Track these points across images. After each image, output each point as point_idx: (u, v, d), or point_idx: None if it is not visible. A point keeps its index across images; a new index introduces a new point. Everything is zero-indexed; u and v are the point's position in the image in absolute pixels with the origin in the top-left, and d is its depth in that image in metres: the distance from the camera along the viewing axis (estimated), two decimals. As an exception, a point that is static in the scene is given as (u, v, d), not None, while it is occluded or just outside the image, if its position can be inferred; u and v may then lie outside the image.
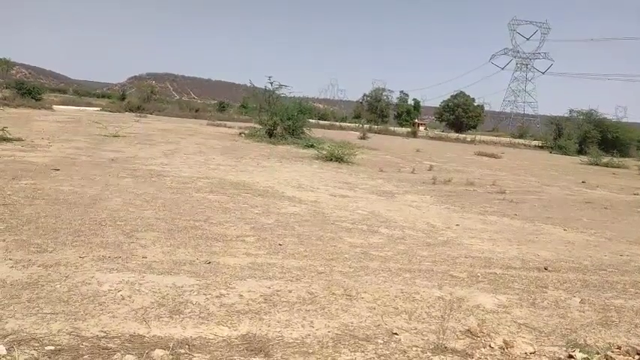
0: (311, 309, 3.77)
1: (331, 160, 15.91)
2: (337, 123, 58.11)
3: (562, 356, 3.31)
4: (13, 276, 3.85)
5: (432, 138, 49.42)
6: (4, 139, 12.71)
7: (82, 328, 3.10)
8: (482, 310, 4.09)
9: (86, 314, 3.31)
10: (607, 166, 26.73)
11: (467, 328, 3.65)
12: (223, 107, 64.94)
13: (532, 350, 3.34)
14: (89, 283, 3.86)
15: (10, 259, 4.21)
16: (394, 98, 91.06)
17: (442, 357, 3.14)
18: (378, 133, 45.95)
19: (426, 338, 3.42)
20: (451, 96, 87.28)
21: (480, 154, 28.54)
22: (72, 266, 4.20)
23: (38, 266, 4.12)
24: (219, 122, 34.92)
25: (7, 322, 3.08)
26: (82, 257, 4.45)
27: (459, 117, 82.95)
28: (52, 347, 2.84)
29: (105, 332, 3.09)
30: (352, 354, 3.10)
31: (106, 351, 2.85)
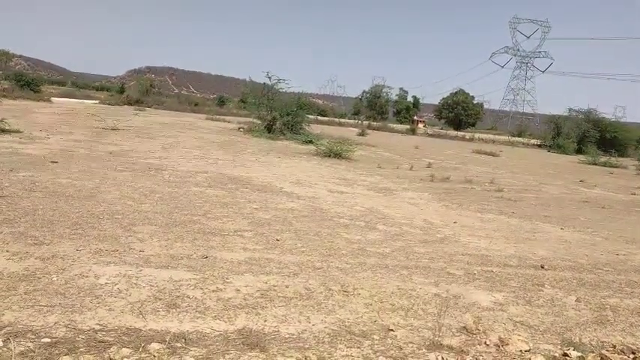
0: (308, 304, 3.78)
1: (330, 156, 15.91)
2: (336, 119, 58.00)
3: (557, 354, 3.33)
4: (9, 268, 3.85)
5: (430, 135, 49.41)
6: (2, 131, 12.68)
7: (78, 321, 3.11)
8: (479, 308, 4.10)
9: (83, 307, 3.31)
10: (605, 166, 26.77)
11: (463, 325, 3.66)
12: (222, 102, 64.88)
13: (527, 348, 3.35)
14: (86, 276, 3.86)
15: (7, 251, 4.20)
16: (394, 95, 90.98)
17: (438, 353, 3.15)
18: (377, 130, 45.92)
19: (422, 335, 3.43)
20: (450, 93, 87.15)
21: (478, 152, 28.55)
22: (69, 259, 4.20)
23: (35, 259, 4.12)
24: (218, 117, 34.84)
25: (3, 315, 3.08)
26: (79, 250, 4.45)
27: (458, 115, 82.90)
28: (49, 340, 2.84)
29: (101, 325, 3.09)
30: (348, 350, 3.11)
31: (103, 344, 2.85)
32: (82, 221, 5.41)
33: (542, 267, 5.56)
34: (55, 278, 3.76)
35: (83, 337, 2.92)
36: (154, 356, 2.77)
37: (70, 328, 3.01)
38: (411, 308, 3.93)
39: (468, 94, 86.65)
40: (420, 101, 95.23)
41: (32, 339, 2.83)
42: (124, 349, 2.81)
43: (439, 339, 3.34)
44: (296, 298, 3.89)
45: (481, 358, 3.18)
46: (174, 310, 3.42)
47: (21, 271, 3.83)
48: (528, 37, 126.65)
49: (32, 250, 4.31)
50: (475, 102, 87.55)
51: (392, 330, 3.46)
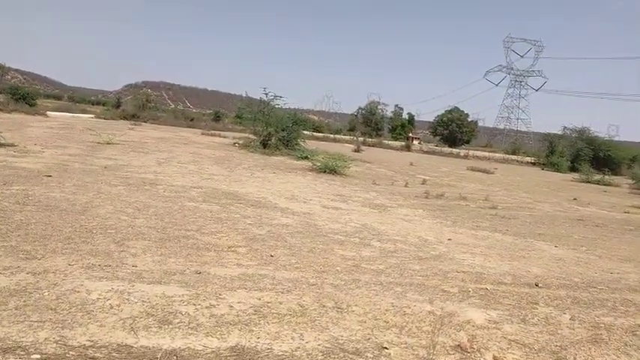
0: (301, 321, 3.76)
1: (325, 171, 15.94)
2: (331, 135, 58.23)
3: (551, 373, 3.31)
4: (0, 283, 3.81)
5: (425, 152, 49.64)
6: (-3, 144, 12.64)
7: (69, 337, 3.07)
8: (473, 326, 4.08)
9: (74, 323, 3.28)
10: (598, 184, 26.91)
11: (457, 343, 3.64)
12: (218, 117, 65.09)
13: (522, 367, 3.33)
14: (78, 292, 3.82)
15: (-2, 266, 4.16)
16: (389, 112, 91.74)
17: (432, 372, 3.13)
18: (373, 147, 46.10)
19: (416, 353, 3.41)
20: (445, 111, 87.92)
21: (473, 169, 28.70)
22: (61, 274, 4.16)
23: (27, 273, 4.08)
24: (213, 132, 34.89)
25: (-8, 330, 3.04)
26: (72, 265, 4.41)
27: (453, 132, 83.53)
28: (39, 356, 2.80)
29: (92, 341, 3.05)
30: (342, 368, 3.08)
31: (93, 361, 2.82)
32: (75, 236, 5.38)
33: (537, 285, 5.56)
34: (46, 293, 3.72)
35: (73, 353, 2.88)
36: (145, 373, 2.74)
37: (61, 344, 2.98)
38: (405, 326, 3.91)
39: (463, 111, 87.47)
40: (415, 118, 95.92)
41: (22, 355, 2.79)
42: (114, 366, 2.77)
43: (433, 357, 3.32)
44: (289, 314, 3.87)
45: (475, 376, 3.16)
46: (166, 327, 3.39)
47: (12, 285, 3.79)
48: (522, 56, 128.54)
49: (23, 265, 4.27)
50: (469, 119, 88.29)
51: (385, 348, 3.44)
